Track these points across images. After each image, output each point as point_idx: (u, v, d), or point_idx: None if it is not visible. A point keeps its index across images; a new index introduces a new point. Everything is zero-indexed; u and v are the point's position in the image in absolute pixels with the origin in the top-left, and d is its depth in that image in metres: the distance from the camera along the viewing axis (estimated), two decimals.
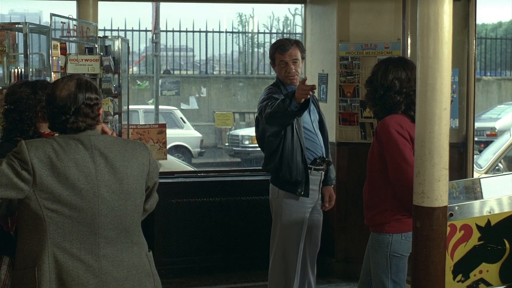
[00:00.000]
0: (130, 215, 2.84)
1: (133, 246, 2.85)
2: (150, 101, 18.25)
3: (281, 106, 4.23)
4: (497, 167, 8.63)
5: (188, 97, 19.03)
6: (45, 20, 15.78)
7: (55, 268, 2.70)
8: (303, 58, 4.74)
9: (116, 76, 5.75)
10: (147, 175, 2.91)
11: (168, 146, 7.12)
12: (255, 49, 21.23)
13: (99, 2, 5.93)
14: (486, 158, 8.87)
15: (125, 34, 16.60)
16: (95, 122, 2.86)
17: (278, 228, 4.71)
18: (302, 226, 4.67)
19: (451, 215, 3.39)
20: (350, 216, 6.07)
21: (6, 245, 3.34)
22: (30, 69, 4.90)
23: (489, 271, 3.58)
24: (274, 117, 4.37)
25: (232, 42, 20.30)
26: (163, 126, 6.17)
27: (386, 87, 3.77)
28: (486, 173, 8.24)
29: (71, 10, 5.85)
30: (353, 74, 6.02)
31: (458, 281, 3.51)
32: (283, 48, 4.66)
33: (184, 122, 16.41)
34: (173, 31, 18.02)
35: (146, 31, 17.56)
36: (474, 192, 4.32)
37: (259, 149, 4.96)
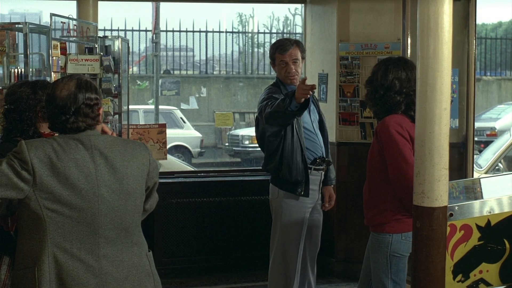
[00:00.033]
0: (130, 215, 2.84)
1: (133, 246, 2.85)
2: (150, 101, 18.25)
3: (281, 106, 4.23)
4: (497, 167, 8.63)
5: (188, 97, 19.03)
6: (45, 20, 15.79)
7: (55, 268, 2.70)
8: (303, 58, 4.74)
9: (116, 76, 5.75)
10: (147, 175, 2.91)
11: (168, 146, 7.12)
12: (255, 49, 21.23)
13: (99, 2, 5.93)
14: (486, 158, 8.87)
15: (125, 34, 16.60)
16: (95, 122, 2.86)
17: (278, 228, 4.71)
18: (302, 226, 4.67)
19: (451, 215, 3.39)
20: (350, 216, 6.07)
21: (6, 245, 3.35)
22: (30, 69, 4.90)
23: (489, 271, 3.58)
24: (274, 116, 4.37)
25: (232, 42, 20.31)
26: (163, 126, 6.17)
27: (386, 87, 3.77)
28: (486, 173, 8.24)
29: (71, 10, 5.85)
30: (353, 74, 6.02)
31: (458, 281, 3.51)
32: (283, 48, 4.66)
33: (184, 122, 16.41)
34: (173, 31, 18.02)
35: (146, 31, 17.56)
36: (474, 192, 4.32)
37: (259, 149, 4.96)
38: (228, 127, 15.86)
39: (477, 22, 6.06)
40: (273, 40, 14.09)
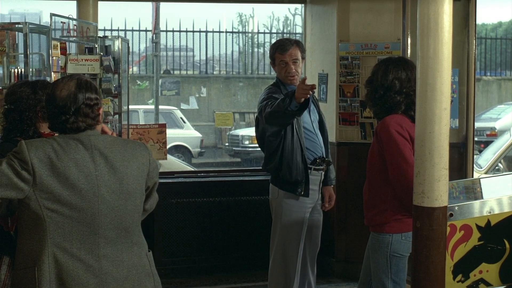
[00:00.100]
0: (130, 215, 2.84)
1: (133, 246, 2.85)
2: (150, 101, 18.25)
3: (281, 106, 4.23)
4: (497, 167, 8.63)
5: (188, 97, 19.03)
6: (45, 20, 15.78)
7: (55, 268, 2.70)
8: (303, 58, 4.74)
9: (116, 76, 5.75)
10: (147, 175, 2.91)
11: (168, 146, 7.12)
12: (255, 49, 21.23)
13: (99, 2, 5.93)
14: (486, 158, 8.87)
15: (125, 34, 16.60)
16: (95, 122, 2.86)
17: (278, 228, 4.71)
18: (302, 226, 4.67)
19: (451, 215, 3.39)
20: (350, 216, 6.07)
21: (6, 245, 3.35)
22: (30, 69, 4.90)
23: (489, 271, 3.58)
24: (274, 116, 4.37)
25: (232, 42, 20.31)
26: (163, 126, 6.17)
27: (386, 87, 3.77)
28: (486, 173, 8.24)
29: (71, 10, 5.85)
30: (353, 74, 6.02)
31: (458, 281, 3.51)
32: (283, 48, 4.66)
33: (184, 122, 16.41)
34: (173, 31, 18.02)
35: (146, 31, 17.56)
36: (474, 192, 4.32)
37: (259, 149, 4.96)
38: (228, 127, 15.86)
39: (477, 22, 6.06)
40: (273, 40, 14.11)
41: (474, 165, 6.68)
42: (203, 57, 19.44)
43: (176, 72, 20.19)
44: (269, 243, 4.81)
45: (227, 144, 16.81)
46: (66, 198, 2.71)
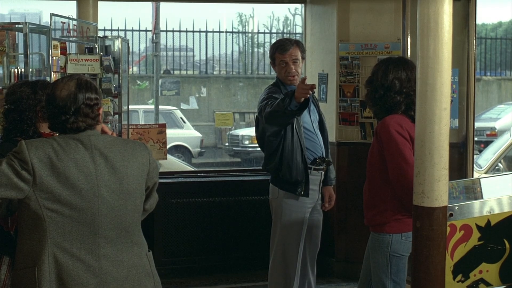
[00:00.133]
0: (130, 215, 2.84)
1: (133, 246, 2.85)
2: (150, 101, 18.25)
3: (281, 105, 4.23)
4: (497, 167, 8.63)
5: (188, 97, 19.03)
6: (45, 20, 15.77)
7: (55, 268, 2.70)
8: (303, 58, 4.74)
9: (116, 76, 5.75)
10: (147, 175, 2.91)
11: (168, 146, 7.12)
12: (255, 49, 21.23)
13: (99, 2, 5.93)
14: (486, 158, 8.87)
15: (125, 34, 16.60)
16: (95, 122, 2.86)
17: (278, 228, 4.71)
18: (302, 226, 4.67)
19: (451, 215, 3.39)
20: (350, 216, 6.07)
21: (6, 245, 3.34)
22: (30, 69, 4.90)
23: (489, 271, 3.58)
24: (274, 116, 4.37)
25: (232, 42, 20.31)
26: (163, 126, 6.17)
27: (386, 87, 3.77)
28: (486, 173, 8.24)
29: (71, 10, 5.85)
30: (353, 74, 6.02)
31: (458, 281, 3.51)
32: (283, 48, 4.66)
33: (184, 122, 16.42)
34: (173, 31, 18.02)
35: (146, 31, 17.56)
36: (474, 192, 4.32)
37: (259, 149, 4.96)
38: (228, 127, 15.87)
39: (477, 22, 6.06)
40: (273, 40, 14.10)
41: (474, 165, 6.68)
42: (203, 57, 19.45)
43: (176, 72, 20.19)
44: (269, 243, 4.81)
45: (227, 144, 16.81)
46: (66, 198, 2.71)
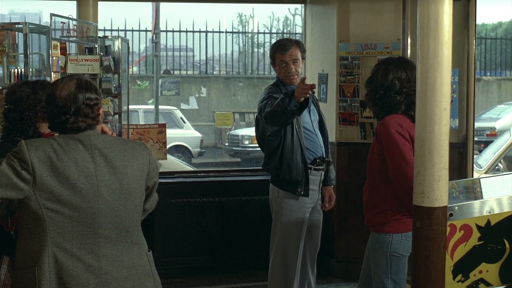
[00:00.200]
0: (130, 215, 2.84)
1: (133, 246, 2.85)
2: (150, 101, 18.25)
3: (281, 105, 4.23)
4: (497, 167, 8.63)
5: (188, 97, 19.03)
6: (45, 20, 15.79)
7: (55, 268, 2.70)
8: (303, 58, 4.75)
9: (116, 76, 5.75)
10: (147, 175, 2.91)
11: (168, 146, 7.12)
12: (255, 49, 21.23)
13: (99, 2, 5.93)
14: (486, 158, 8.87)
15: (125, 34, 16.61)
16: (95, 122, 2.86)
17: (278, 228, 4.71)
18: (302, 226, 4.67)
19: (451, 215, 3.39)
20: (350, 216, 6.07)
21: (6, 245, 3.34)
22: (30, 69, 4.90)
23: (489, 271, 3.58)
24: (274, 116, 4.37)
25: (232, 42, 20.31)
26: (163, 126, 6.17)
27: (386, 87, 3.77)
28: (486, 173, 8.24)
29: (71, 10, 5.85)
30: (353, 74, 6.02)
31: (458, 281, 3.51)
32: (284, 48, 4.66)
33: (184, 122, 16.42)
34: (173, 31, 18.02)
35: (146, 31, 17.56)
36: (474, 192, 4.32)
37: (259, 149, 4.96)
38: (228, 127, 15.86)
39: (477, 22, 6.07)
40: (273, 40, 14.12)
41: (474, 165, 6.68)
42: (203, 57, 19.45)
43: (176, 72, 20.19)
44: (269, 243, 4.81)
45: (227, 144, 16.81)
46: (66, 198, 2.71)
